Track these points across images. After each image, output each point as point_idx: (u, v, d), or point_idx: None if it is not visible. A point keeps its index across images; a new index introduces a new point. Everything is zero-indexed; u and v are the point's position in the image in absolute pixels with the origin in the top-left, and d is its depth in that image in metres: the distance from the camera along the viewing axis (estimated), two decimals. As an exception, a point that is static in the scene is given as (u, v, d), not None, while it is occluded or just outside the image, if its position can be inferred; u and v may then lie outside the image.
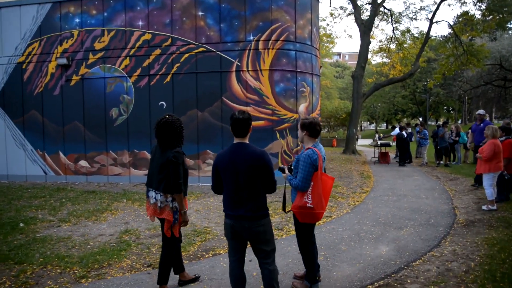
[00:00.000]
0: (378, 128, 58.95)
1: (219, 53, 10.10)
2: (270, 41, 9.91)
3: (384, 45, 25.37)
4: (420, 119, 38.40)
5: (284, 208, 3.88)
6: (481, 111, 10.48)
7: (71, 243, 5.52)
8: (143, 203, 8.01)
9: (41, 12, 11.35)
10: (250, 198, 3.03)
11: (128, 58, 10.69)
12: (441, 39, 25.78)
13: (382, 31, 50.83)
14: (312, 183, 3.66)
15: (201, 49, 10.21)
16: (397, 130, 16.26)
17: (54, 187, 10.16)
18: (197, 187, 9.85)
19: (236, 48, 10.03)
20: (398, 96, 42.37)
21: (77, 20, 11.08)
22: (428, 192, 9.08)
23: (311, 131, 3.81)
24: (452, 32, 21.55)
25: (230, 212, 3.10)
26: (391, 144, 15.88)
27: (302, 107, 10.24)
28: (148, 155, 10.58)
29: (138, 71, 10.64)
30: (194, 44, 10.25)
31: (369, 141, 28.96)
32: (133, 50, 10.65)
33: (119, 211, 7.52)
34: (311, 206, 3.63)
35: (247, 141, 3.10)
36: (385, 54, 26.92)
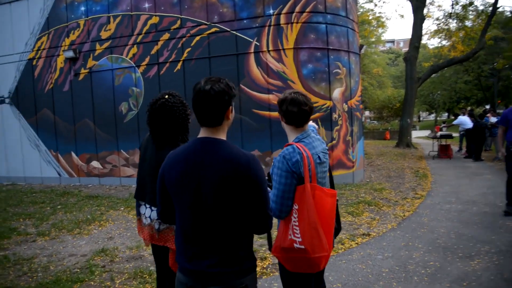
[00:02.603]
0: (438, 117, 54.29)
1: (234, 32, 8.50)
2: (294, 14, 8.13)
3: (441, 24, 22.29)
4: (487, 106, 34.24)
5: (270, 246, 2.30)
6: None
7: (28, 267, 4.48)
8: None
9: (47, 3, 10.43)
10: (221, 239, 1.64)
11: (135, 46, 9.42)
12: (510, 13, 22.27)
13: (439, 7, 45.82)
14: (295, 206, 2.04)
15: (213, 30, 8.67)
16: (462, 118, 13.69)
17: (60, 191, 9.17)
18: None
19: (253, 25, 8.38)
20: (460, 82, 38.18)
21: (82, 9, 10.01)
22: (506, 197, 6.87)
23: (288, 116, 2.21)
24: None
25: (184, 263, 1.69)
26: (453, 135, 13.37)
27: (337, 93, 8.36)
28: (160, 155, 9.26)
29: (147, 59, 9.34)
30: (205, 24, 8.73)
31: (427, 133, 26.02)
32: (140, 37, 9.37)
33: (109, 222, 6.30)
34: (302, 247, 2.01)
35: (222, 136, 1.70)
36: (443, 36, 23.77)
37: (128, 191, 8.80)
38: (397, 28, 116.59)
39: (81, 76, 10.10)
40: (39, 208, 7.57)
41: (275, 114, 8.16)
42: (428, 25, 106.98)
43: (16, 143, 11.05)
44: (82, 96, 10.07)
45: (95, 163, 10.05)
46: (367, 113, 51.54)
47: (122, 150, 9.70)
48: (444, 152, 13.13)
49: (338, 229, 2.38)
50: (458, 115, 15.00)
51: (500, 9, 21.20)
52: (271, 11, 8.23)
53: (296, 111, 2.13)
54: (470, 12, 21.34)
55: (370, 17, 25.97)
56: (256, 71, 8.36)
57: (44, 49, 10.57)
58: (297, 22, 8.11)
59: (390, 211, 6.22)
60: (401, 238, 4.94)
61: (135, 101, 9.51)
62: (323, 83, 8.24)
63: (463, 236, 4.89)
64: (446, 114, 54.49)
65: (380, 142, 21.63)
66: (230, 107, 1.68)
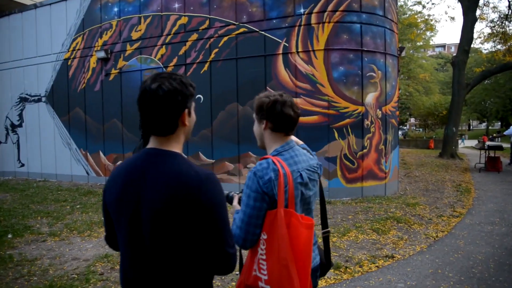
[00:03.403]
0: (490, 126, 51.01)
1: (263, 32, 8.14)
2: (326, 13, 7.65)
3: (496, 27, 20.72)
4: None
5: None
6: None
7: (28, 269, 4.35)
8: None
9: (83, 5, 10.62)
10: (166, 280, 1.28)
11: (164, 46, 9.32)
12: None
13: (494, 9, 43.04)
14: (264, 236, 1.63)
15: (242, 30, 8.37)
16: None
17: (85, 190, 9.23)
18: (235, 198, 8.02)
19: (283, 25, 7.98)
20: (516, 89, 35.59)
21: (115, 9, 10.08)
22: (562, 220, 6.01)
23: (280, 121, 1.72)
24: None
25: None
26: (503, 146, 12.24)
27: (370, 98, 7.78)
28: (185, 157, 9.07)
29: (174, 60, 9.19)
30: (234, 24, 8.44)
31: (475, 143, 24.40)
32: (169, 37, 9.25)
33: (122, 227, 6.08)
34: (267, 287, 1.60)
35: (176, 147, 1.35)
36: (498, 40, 22.10)
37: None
38: (448, 32, 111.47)
39: (112, 77, 10.15)
40: (60, 206, 7.60)
41: (303, 119, 7.70)
42: (482, 28, 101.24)
43: (50, 141, 11.33)
44: (111, 96, 10.13)
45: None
46: (412, 120, 49.50)
47: (147, 151, 9.60)
48: (492, 164, 12.04)
49: (327, 266, 1.93)
50: (511, 124, 13.69)
51: None
52: (302, 10, 7.80)
53: (293, 115, 1.70)
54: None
55: (418, 20, 24.71)
56: (284, 73, 7.95)
57: (78, 49, 10.76)
58: (329, 22, 7.62)
59: (422, 230, 5.58)
60: (429, 263, 4.34)
61: (162, 102, 9.38)
62: (355, 87, 7.68)
63: (505, 266, 4.22)
64: (499, 123, 51.11)
65: (422, 151, 20.43)
66: (186, 110, 1.32)
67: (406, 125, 50.60)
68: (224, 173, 8.64)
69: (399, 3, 30.98)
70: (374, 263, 4.34)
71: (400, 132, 38.05)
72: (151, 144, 1.33)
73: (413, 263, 4.35)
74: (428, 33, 35.41)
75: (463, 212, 6.65)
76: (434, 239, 5.22)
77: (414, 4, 31.37)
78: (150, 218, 1.23)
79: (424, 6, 26.47)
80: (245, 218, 1.63)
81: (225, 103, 8.56)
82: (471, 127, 62.23)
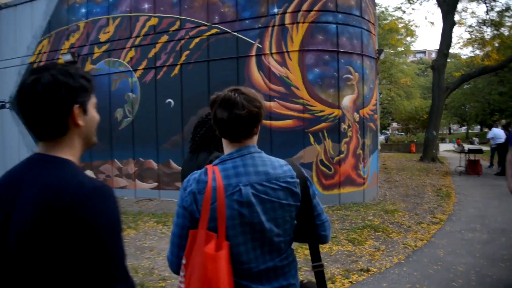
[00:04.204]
0: (470, 130, 51.78)
1: (235, 33, 7.80)
2: (301, 13, 7.35)
3: (474, 31, 20.87)
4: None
5: None
6: None
7: None
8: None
9: (50, 6, 10.11)
10: None
11: (133, 49, 8.88)
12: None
13: (472, 14, 44.13)
14: (183, 261, 1.30)
15: (213, 31, 8.01)
16: (495, 131, 12.48)
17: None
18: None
19: (256, 25, 7.65)
20: (494, 93, 36.15)
21: (83, 10, 9.61)
22: (544, 226, 5.78)
23: (217, 125, 1.38)
24: None
25: None
26: (483, 149, 12.14)
27: (347, 100, 7.48)
28: (155, 165, 8.64)
29: (144, 63, 8.77)
30: (205, 25, 8.08)
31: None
32: (138, 39, 8.83)
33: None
34: None
35: (67, 152, 1.08)
36: (476, 45, 22.30)
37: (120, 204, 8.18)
38: (429, 39, 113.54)
39: (79, 81, 9.64)
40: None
41: (277, 123, 7.37)
42: (461, 33, 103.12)
43: (14, 150, 10.72)
44: (79, 101, 9.60)
45: (88, 172, 9.51)
46: (394, 124, 49.85)
47: (115, 160, 9.13)
48: (472, 168, 11.91)
49: None
50: (492, 126, 13.61)
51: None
52: (276, 10, 7.49)
53: (226, 118, 1.31)
54: (507, 19, 19.93)
55: (399, 26, 24.81)
56: (257, 76, 7.61)
57: (45, 52, 10.23)
58: (303, 22, 7.33)
59: (400, 240, 5.27)
60: (407, 277, 4.01)
61: (131, 108, 8.94)
62: (331, 89, 7.38)
63: (487, 278, 3.91)
64: (479, 126, 51.97)
65: (404, 155, 20.35)
66: (76, 106, 1.06)
67: (388, 130, 50.97)
68: (196, 181, 8.21)
69: (380, 9, 31.24)
70: (347, 278, 3.98)
71: (382, 137, 38.22)
72: (39, 149, 1.08)
73: (389, 277, 4.02)
74: (408, 39, 35.84)
75: (443, 219, 6.37)
76: (413, 249, 4.90)
77: (395, 10, 31.68)
78: (16, 244, 0.95)
79: (404, 12, 26.69)
80: (171, 237, 1.37)
81: (197, 107, 8.14)
82: (452, 130, 63.13)
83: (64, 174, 1.00)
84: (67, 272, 0.94)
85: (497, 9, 19.89)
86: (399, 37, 27.27)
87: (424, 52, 67.17)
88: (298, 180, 1.35)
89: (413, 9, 60.47)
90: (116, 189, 9.08)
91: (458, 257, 4.57)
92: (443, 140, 40.20)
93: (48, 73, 1.01)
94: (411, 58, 52.28)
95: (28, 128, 1.04)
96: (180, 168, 8.23)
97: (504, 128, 12.49)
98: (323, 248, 4.90)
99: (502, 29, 20.11)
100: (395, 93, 33.01)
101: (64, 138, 1.06)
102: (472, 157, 12.35)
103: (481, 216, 6.54)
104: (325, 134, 7.28)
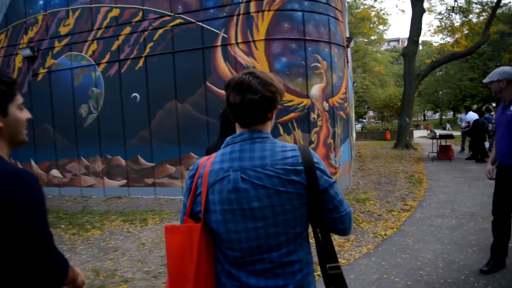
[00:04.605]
0: (443, 116, 52.91)
1: (200, 23, 7.55)
2: (265, 1, 7.15)
3: (444, 18, 21.14)
4: (494, 104, 32.95)
5: None
6: None
7: None
8: (74, 234, 5.69)
9: (6, -2, 9.58)
10: None
11: (95, 41, 8.51)
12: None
13: (441, 1, 45.13)
14: None
15: (177, 21, 7.73)
16: (471, 115, 12.65)
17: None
18: (178, 203, 7.40)
19: (220, 15, 7.42)
20: (465, 79, 36.96)
21: (41, 2, 9.13)
22: None
23: (230, 109, 1.33)
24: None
25: None
26: (453, 135, 12.29)
27: (315, 89, 7.37)
28: (123, 161, 8.35)
29: (107, 56, 8.42)
30: (169, 15, 7.79)
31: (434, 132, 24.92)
32: (100, 31, 8.46)
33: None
34: None
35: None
36: (446, 33, 22.63)
37: (83, 204, 7.89)
38: (402, 27, 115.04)
39: (40, 77, 9.21)
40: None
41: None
42: (431, 20, 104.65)
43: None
44: (41, 98, 9.17)
45: (55, 172, 9.15)
46: (371, 113, 50.45)
47: (82, 158, 8.78)
48: (444, 153, 12.07)
49: None
50: (470, 109, 13.57)
51: (506, 1, 20.04)
52: (240, -2, 7.27)
53: (238, 102, 1.26)
54: (474, 5, 20.26)
55: (372, 14, 24.90)
56: (223, 66, 7.40)
57: (2, 47, 9.71)
58: (269, 10, 7.14)
59: (370, 229, 5.21)
60: (375, 267, 3.94)
61: (95, 103, 8.59)
62: (299, 78, 7.24)
63: (454, 264, 3.87)
64: (452, 112, 53.17)
65: (378, 143, 20.55)
66: None
67: (365, 118, 51.53)
68: (165, 177, 7.99)
69: (352, -2, 31.31)
70: (315, 272, 3.86)
71: (359, 125, 38.60)
72: None
73: (357, 268, 3.93)
74: (381, 27, 36.15)
75: (414, 205, 6.37)
76: (382, 238, 4.85)
77: (366, -1, 31.86)
78: None
79: (375, 0, 26.76)
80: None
81: (164, 101, 7.91)
82: (426, 117, 64.42)
83: None
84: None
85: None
86: (372, 25, 27.42)
87: (397, 40, 67.99)
88: (303, 167, 1.24)
89: (384, -3, 61.12)
90: (84, 188, 8.79)
91: (426, 244, 4.53)
92: (417, 127, 40.95)
93: None
94: (385, 46, 52.85)
95: None
96: (149, 164, 7.99)
97: (477, 112, 12.67)
98: (292, 241, 4.80)
99: (470, 15, 20.48)
100: (369, 81, 33.28)
101: None
102: (443, 142, 12.51)
103: (451, 201, 6.56)
104: (295, 124, 7.15)
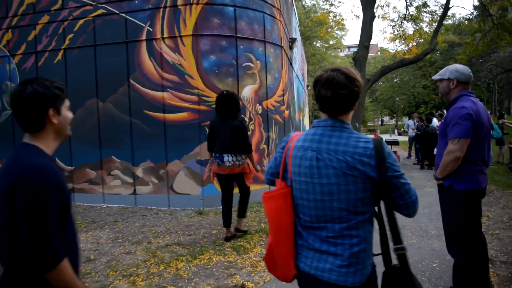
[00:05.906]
0: (398, 122, 54.52)
1: (124, 15, 6.90)
2: (194, -7, 6.63)
3: (397, 26, 21.51)
4: (445, 111, 34.15)
5: None
6: None
7: None
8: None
9: None
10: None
11: (10, 30, 7.65)
12: (463, 18, 21.85)
13: (394, 9, 46.82)
14: None
15: (100, 11, 7.04)
16: (435, 122, 12.64)
17: None
18: (101, 211, 6.69)
19: (146, 6, 6.81)
20: (418, 86, 38.18)
21: (-51, -16, 8.13)
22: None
23: (319, 102, 1.63)
24: (478, 2, 17.58)
25: None
26: (398, 141, 12.27)
27: (247, 91, 6.91)
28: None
29: (23, 47, 7.58)
30: (91, 5, 7.09)
31: (386, 137, 25.30)
32: (15, 19, 7.61)
33: None
34: None
35: (39, 142, 1.58)
36: (399, 40, 23.12)
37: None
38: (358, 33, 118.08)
39: None
40: None
41: (171, 116, 6.63)
42: (384, 27, 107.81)
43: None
44: None
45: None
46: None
47: (-7, 159, 7.88)
48: (388, 159, 11.99)
49: None
50: (431, 118, 13.05)
51: (454, 13, 20.66)
52: (167, -10, 6.70)
53: (330, 96, 1.51)
54: (424, 15, 20.71)
55: (330, 19, 25.00)
56: (148, 63, 6.79)
57: None
58: (197, 4, 6.60)
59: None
60: (280, 292, 3.49)
61: (9, 99, 7.72)
62: (229, 78, 6.76)
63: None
64: (407, 118, 54.87)
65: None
66: (51, 109, 1.50)
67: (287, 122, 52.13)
68: (85, 182, 7.26)
69: (312, 2, 31.40)
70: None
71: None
72: (24, 139, 1.50)
73: (260, 294, 3.47)
74: (339, 33, 36.61)
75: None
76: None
77: (325, 3, 32.05)
78: None
79: (332, 4, 26.94)
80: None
81: (84, 99, 7.18)
82: (383, 122, 66.20)
83: (23, 156, 1.41)
84: (16, 223, 1.36)
85: (415, 4, 20.60)
86: (328, 30, 27.53)
87: (356, 46, 69.62)
88: (371, 159, 1.45)
89: (340, 1, 62.22)
90: None
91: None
92: (372, 132, 41.77)
93: (31, 86, 1.42)
94: (345, 52, 53.74)
95: (17, 123, 1.46)
96: (68, 167, 7.23)
97: (421, 119, 12.67)
98: (202, 260, 4.30)
99: (422, 24, 20.93)
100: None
101: (42, 131, 1.48)
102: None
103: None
104: (224, 128, 6.65)
